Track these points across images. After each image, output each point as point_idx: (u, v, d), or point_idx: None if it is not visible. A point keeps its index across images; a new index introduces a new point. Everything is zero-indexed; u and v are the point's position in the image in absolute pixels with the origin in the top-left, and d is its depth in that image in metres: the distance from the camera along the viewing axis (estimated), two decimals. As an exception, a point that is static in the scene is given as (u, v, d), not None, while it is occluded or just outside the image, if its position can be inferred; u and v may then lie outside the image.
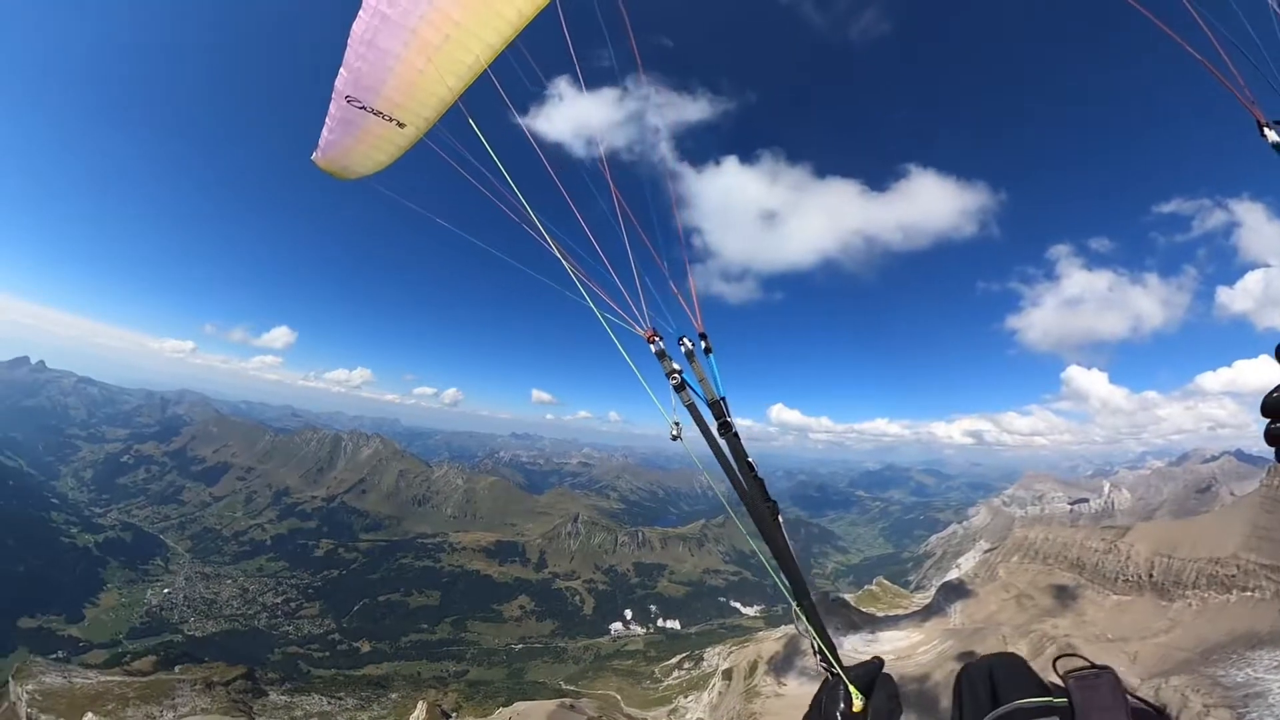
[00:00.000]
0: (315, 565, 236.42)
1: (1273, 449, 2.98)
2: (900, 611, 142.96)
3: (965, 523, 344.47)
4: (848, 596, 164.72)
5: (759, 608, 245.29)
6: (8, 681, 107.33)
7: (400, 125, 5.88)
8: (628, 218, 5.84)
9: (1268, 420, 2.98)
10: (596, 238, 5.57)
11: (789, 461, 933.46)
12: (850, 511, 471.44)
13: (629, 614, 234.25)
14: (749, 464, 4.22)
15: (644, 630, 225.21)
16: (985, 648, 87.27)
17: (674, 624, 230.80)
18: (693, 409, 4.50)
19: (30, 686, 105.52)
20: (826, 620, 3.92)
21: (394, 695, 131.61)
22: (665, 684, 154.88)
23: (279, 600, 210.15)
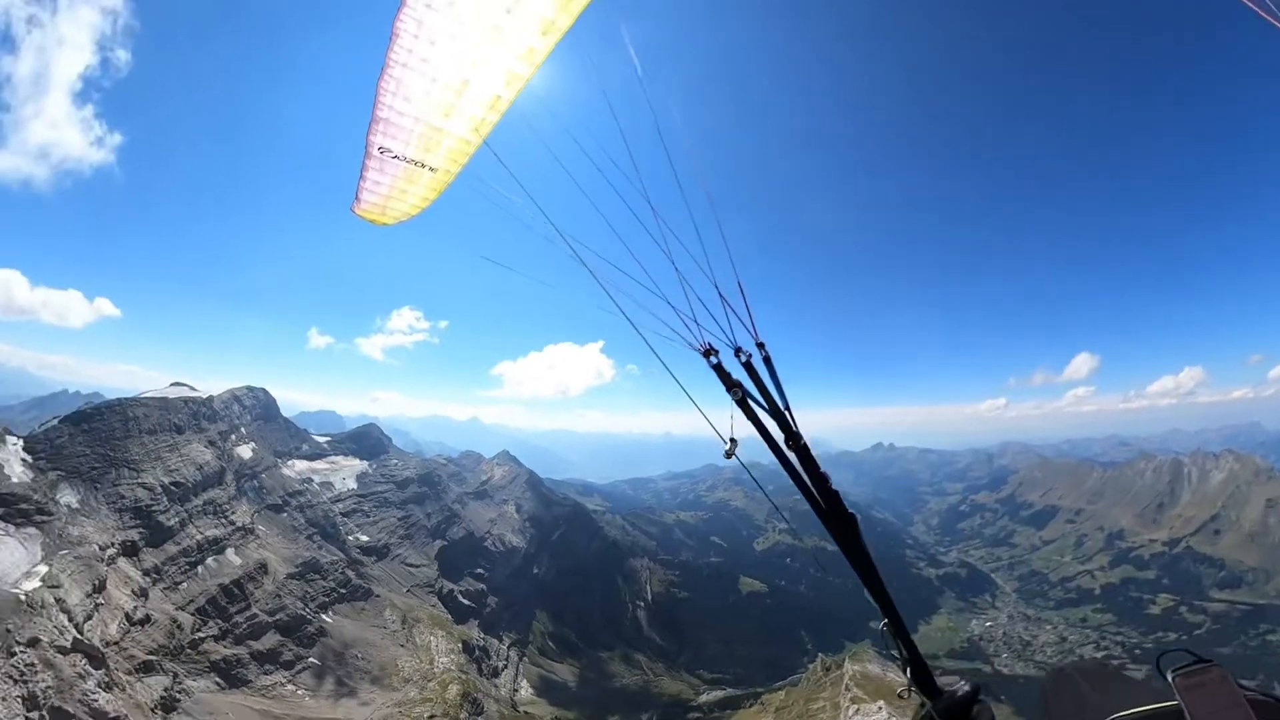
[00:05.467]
0: (1148, 624, 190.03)
1: None
2: None
3: None
4: None
5: None
6: (845, 660, 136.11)
7: (431, 170, 6.25)
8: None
9: None
10: (628, 245, 5.33)
11: None
12: None
13: None
14: (822, 475, 3.96)
15: None
16: None
17: None
18: (757, 422, 4.20)
19: (856, 668, 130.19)
20: None
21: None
22: None
23: (1098, 655, 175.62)
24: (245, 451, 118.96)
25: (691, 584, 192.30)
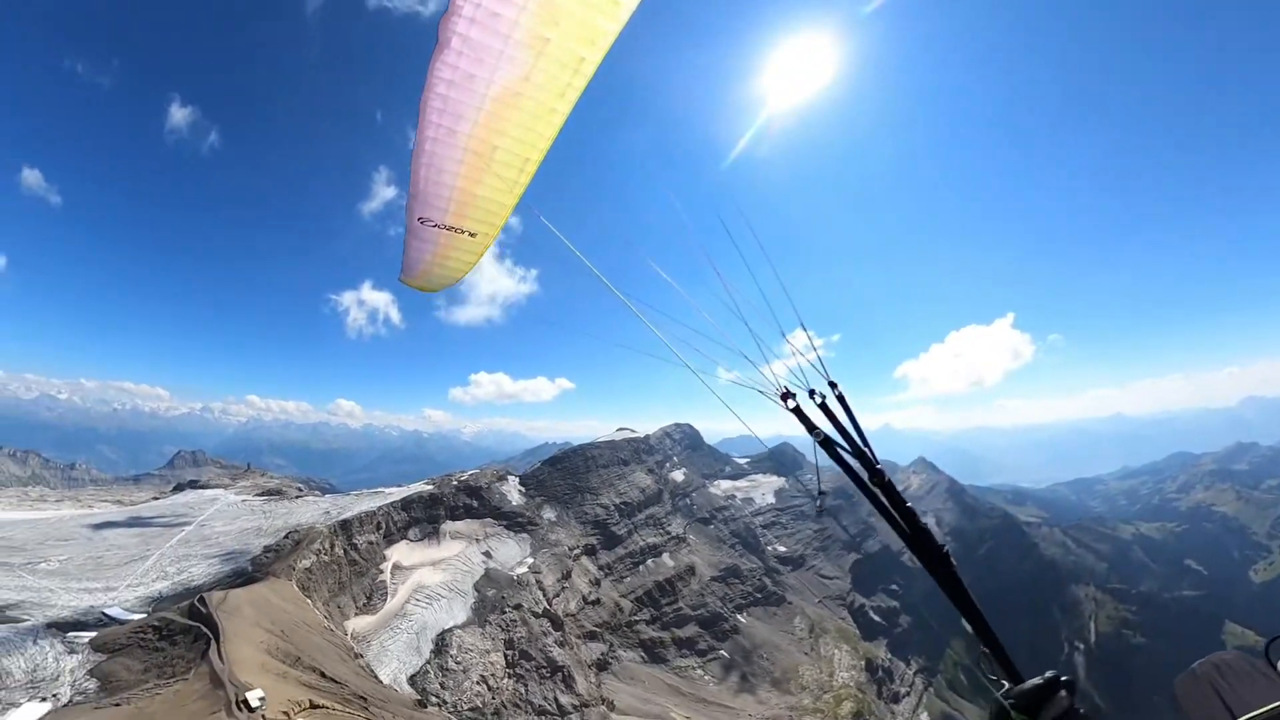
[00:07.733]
0: None
1: None
2: None
3: None
4: None
5: None
6: None
7: (471, 235, 6.63)
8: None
9: None
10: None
11: None
12: None
13: None
14: (909, 509, 4.06)
15: None
16: None
17: None
18: (842, 461, 4.40)
19: None
20: None
21: None
22: None
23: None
24: (678, 476, 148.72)
25: (1152, 625, 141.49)
